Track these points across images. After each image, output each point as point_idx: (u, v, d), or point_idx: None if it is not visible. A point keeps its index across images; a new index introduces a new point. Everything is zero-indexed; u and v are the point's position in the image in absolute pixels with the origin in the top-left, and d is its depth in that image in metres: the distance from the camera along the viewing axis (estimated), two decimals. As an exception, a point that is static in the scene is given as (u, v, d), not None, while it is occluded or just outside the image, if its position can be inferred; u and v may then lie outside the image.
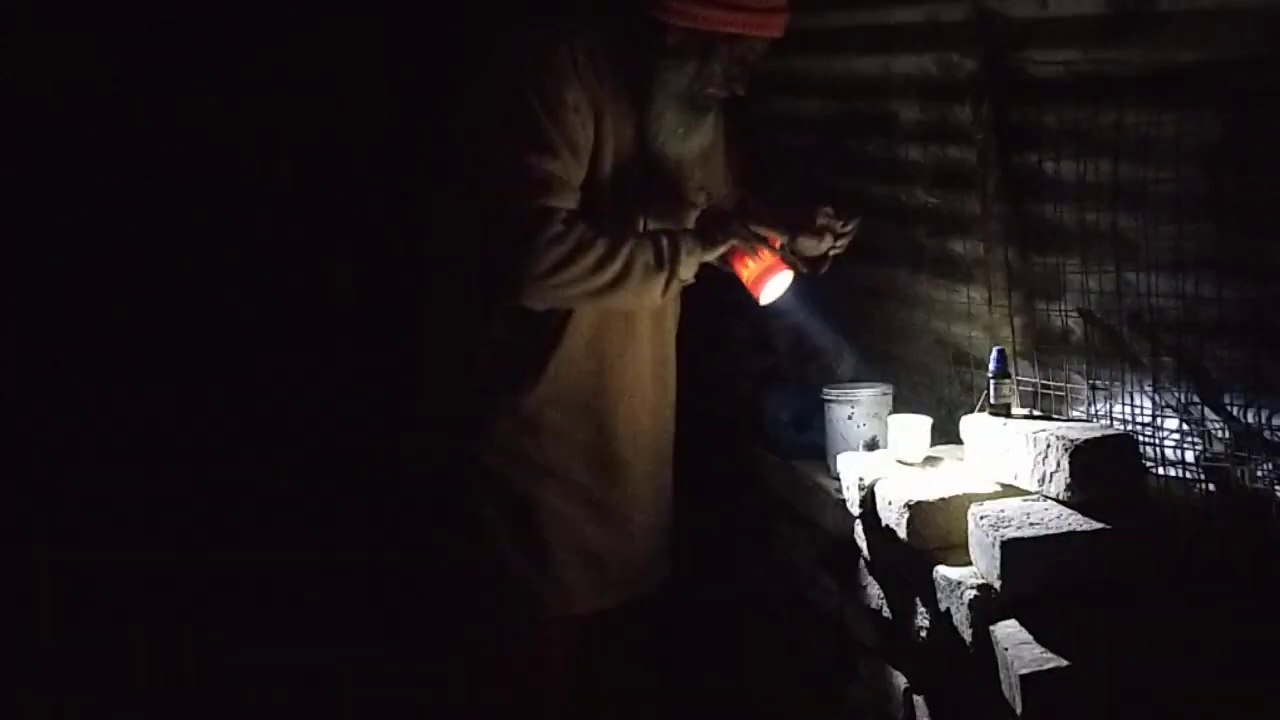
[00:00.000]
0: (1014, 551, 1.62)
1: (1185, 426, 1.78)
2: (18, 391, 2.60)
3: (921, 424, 2.10)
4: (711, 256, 1.97)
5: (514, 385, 1.97)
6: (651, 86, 1.91)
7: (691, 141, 1.99)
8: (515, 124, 1.84)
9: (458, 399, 2.01)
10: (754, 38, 1.89)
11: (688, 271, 1.95)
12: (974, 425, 1.95)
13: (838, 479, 2.18)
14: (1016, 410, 1.98)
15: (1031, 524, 1.67)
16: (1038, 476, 1.78)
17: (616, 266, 1.87)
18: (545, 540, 2.00)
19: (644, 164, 1.98)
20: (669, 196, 2.05)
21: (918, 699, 1.91)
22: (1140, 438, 1.81)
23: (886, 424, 2.15)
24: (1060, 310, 2.03)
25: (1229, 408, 1.72)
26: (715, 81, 1.92)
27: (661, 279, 1.92)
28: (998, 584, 1.65)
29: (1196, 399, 1.76)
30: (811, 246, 2.02)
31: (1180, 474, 1.79)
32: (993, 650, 1.63)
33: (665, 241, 1.93)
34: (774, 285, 2.02)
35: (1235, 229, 1.64)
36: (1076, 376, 2.02)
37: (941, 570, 1.78)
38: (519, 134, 1.84)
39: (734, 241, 1.97)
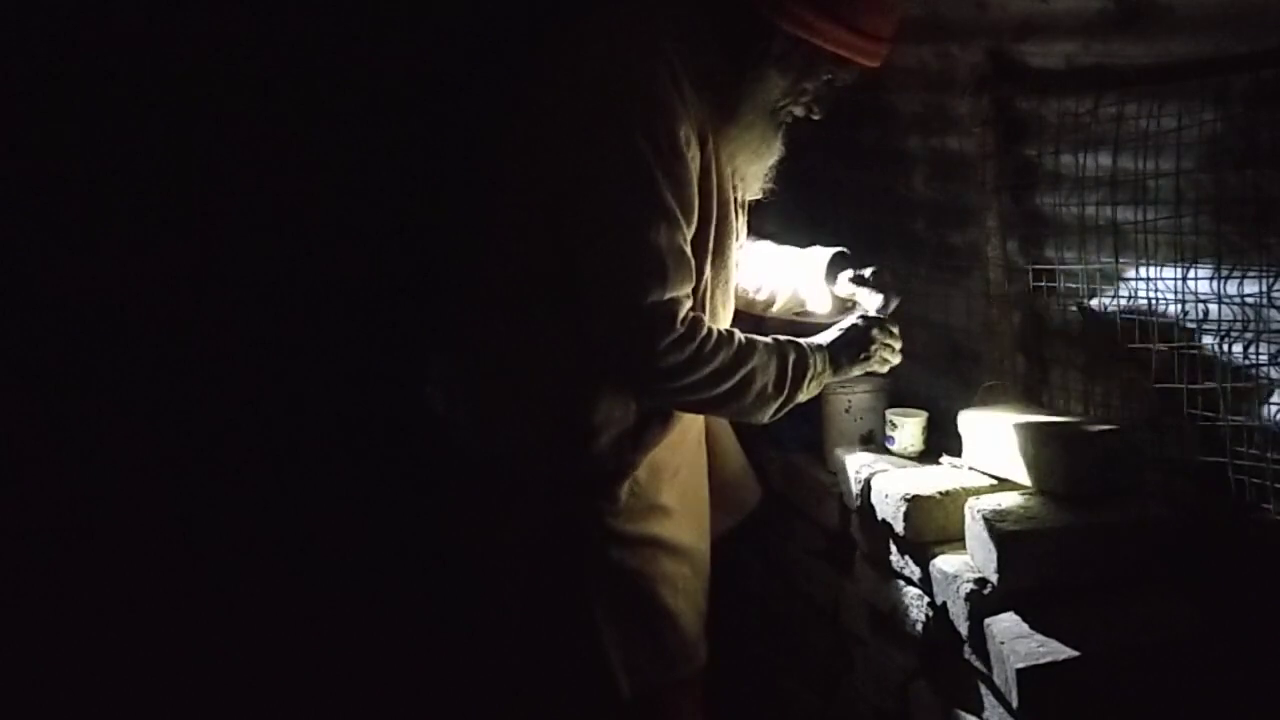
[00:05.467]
0: (1011, 545, 1.62)
1: (1183, 420, 1.77)
2: (17, 386, 2.58)
3: (918, 418, 2.10)
4: (841, 379, 1.86)
5: (639, 435, 1.74)
6: (739, 94, 1.68)
7: (765, 161, 1.78)
8: (631, 190, 1.57)
9: (566, 458, 1.73)
10: (860, 65, 1.70)
11: (807, 396, 1.80)
12: (971, 420, 1.94)
13: (834, 473, 2.18)
14: (1014, 406, 1.98)
15: (1029, 518, 1.67)
16: (1035, 470, 1.77)
17: (731, 384, 1.67)
18: (671, 604, 1.81)
19: (732, 185, 1.77)
20: (733, 229, 1.81)
21: (913, 692, 1.91)
22: (1138, 432, 1.81)
23: (883, 418, 2.15)
24: (1059, 304, 2.02)
25: (1226, 402, 1.72)
26: (803, 100, 1.73)
27: (775, 405, 1.74)
28: (994, 578, 1.65)
29: (1194, 393, 1.76)
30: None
31: (1178, 469, 1.79)
32: (989, 644, 1.62)
33: (793, 361, 1.75)
34: None
35: (1235, 223, 1.63)
36: (1074, 370, 2.01)
37: (938, 564, 1.78)
38: (637, 204, 1.57)
39: (873, 366, 1.87)
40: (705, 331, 1.65)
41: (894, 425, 2.11)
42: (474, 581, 1.87)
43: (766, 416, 1.76)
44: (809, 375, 1.77)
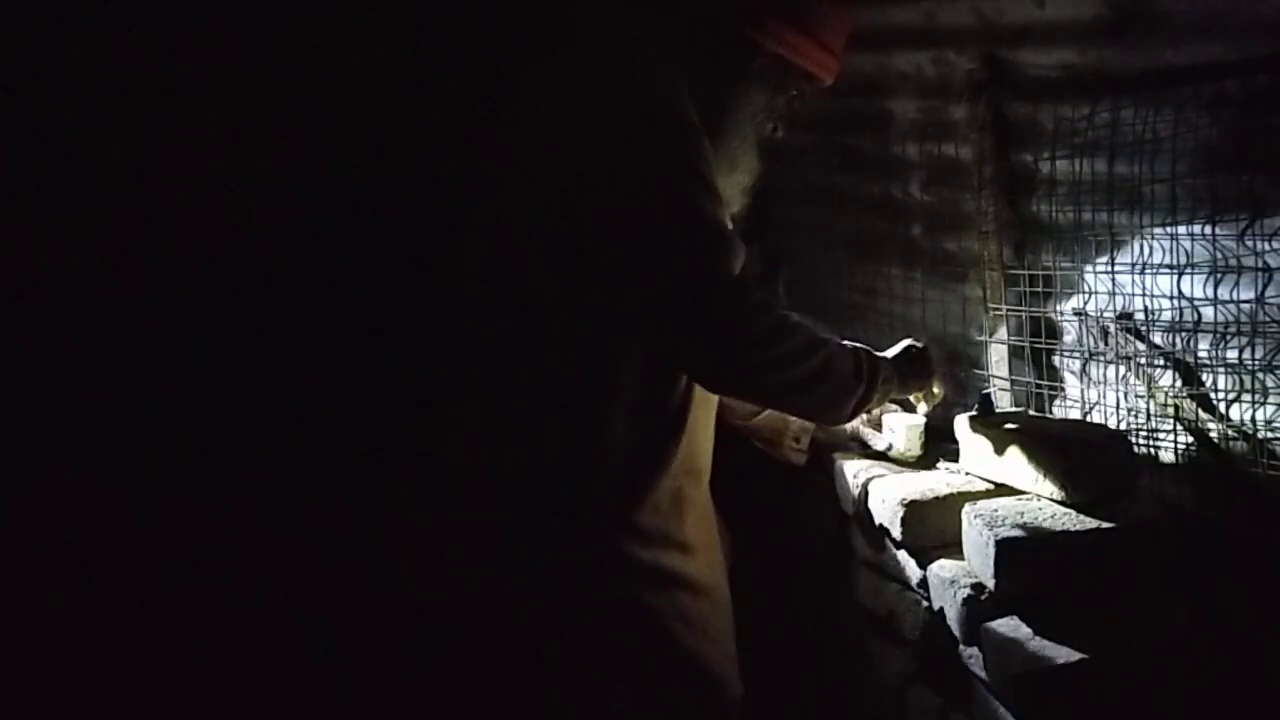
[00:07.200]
0: (1008, 550, 1.63)
1: (1178, 426, 1.78)
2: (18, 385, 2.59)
3: (915, 422, 2.10)
4: (901, 395, 1.79)
5: (654, 457, 1.64)
6: (724, 110, 1.68)
7: (751, 175, 1.76)
8: (681, 163, 1.52)
9: (579, 481, 1.63)
10: (821, 83, 1.73)
11: (880, 399, 1.71)
12: (968, 425, 1.95)
13: (832, 478, 2.18)
14: (1011, 409, 1.99)
15: (1025, 523, 1.67)
16: (1031, 476, 1.78)
17: (815, 362, 1.57)
18: (689, 643, 1.68)
19: None
20: None
21: (911, 696, 1.91)
22: (1133, 437, 1.82)
23: (881, 422, 2.15)
24: (1055, 309, 2.03)
25: (1221, 407, 1.73)
26: (774, 116, 1.74)
27: (856, 396, 1.64)
28: (991, 583, 1.65)
29: (1190, 398, 1.77)
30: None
31: (1173, 473, 1.79)
32: (986, 649, 1.63)
33: (865, 356, 1.67)
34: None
35: (1230, 229, 1.64)
36: (1070, 375, 2.02)
37: (935, 569, 1.78)
38: (692, 178, 1.51)
39: (934, 389, 1.84)
40: (780, 306, 1.56)
41: (891, 429, 2.11)
42: (472, 615, 1.74)
43: (847, 411, 1.67)
44: (881, 375, 1.69)
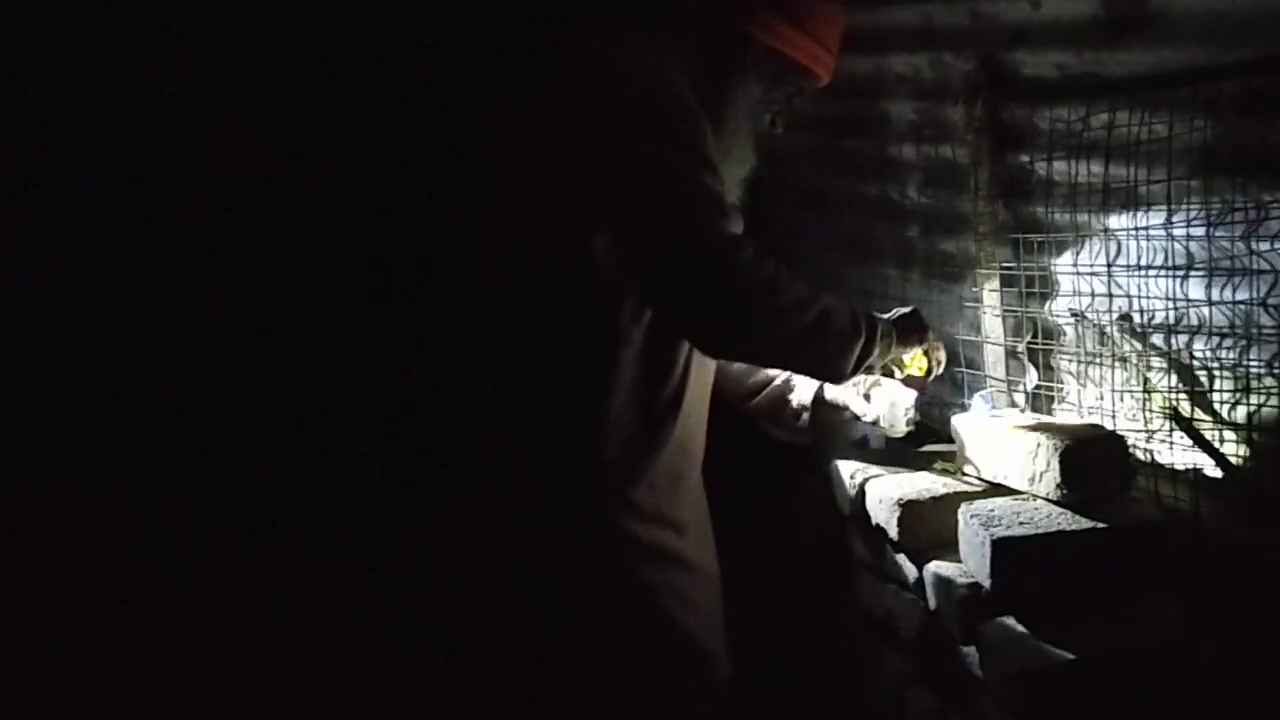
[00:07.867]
0: (1004, 551, 1.63)
1: (1174, 426, 1.79)
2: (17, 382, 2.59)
3: (905, 395, 2.06)
4: (900, 354, 1.81)
5: (652, 437, 1.67)
6: (723, 102, 1.71)
7: (745, 168, 1.78)
8: (677, 137, 1.56)
9: (580, 460, 1.65)
10: (818, 78, 1.77)
11: (881, 354, 1.73)
12: (964, 424, 1.95)
13: (829, 478, 2.18)
14: (1008, 409, 1.99)
15: (1021, 523, 1.67)
16: (1028, 476, 1.78)
17: (813, 314, 1.61)
18: (681, 619, 1.71)
19: None
20: None
21: (908, 697, 1.92)
22: (1129, 438, 1.82)
23: (870, 395, 2.12)
24: (1051, 310, 2.04)
25: (1217, 408, 1.73)
26: (771, 110, 1.78)
27: (856, 348, 1.67)
28: (988, 582, 1.66)
29: (1185, 399, 1.77)
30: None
31: (1169, 473, 1.80)
32: (983, 648, 1.63)
33: (860, 310, 1.70)
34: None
35: (1225, 231, 1.65)
36: (1067, 376, 2.03)
37: (932, 568, 1.79)
38: (686, 148, 1.56)
39: (929, 348, 1.85)
40: (774, 259, 1.58)
41: (879, 401, 2.08)
42: (470, 596, 1.77)
43: (848, 365, 1.68)
44: (880, 329, 1.71)
